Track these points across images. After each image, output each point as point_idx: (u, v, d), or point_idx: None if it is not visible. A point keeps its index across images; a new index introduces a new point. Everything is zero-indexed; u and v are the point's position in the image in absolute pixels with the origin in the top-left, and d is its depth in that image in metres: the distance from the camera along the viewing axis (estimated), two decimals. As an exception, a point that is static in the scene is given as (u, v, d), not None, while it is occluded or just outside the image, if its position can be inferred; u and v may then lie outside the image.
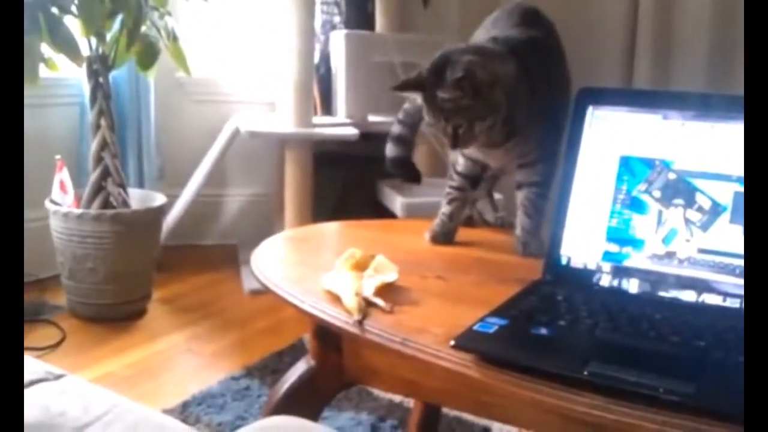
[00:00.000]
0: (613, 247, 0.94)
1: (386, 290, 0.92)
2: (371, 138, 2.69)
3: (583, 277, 0.95)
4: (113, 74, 2.34)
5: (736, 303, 0.86)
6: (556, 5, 2.81)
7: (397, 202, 2.50)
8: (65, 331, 2.12)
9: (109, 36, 2.22)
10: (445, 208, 1.21)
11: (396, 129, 1.31)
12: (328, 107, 2.81)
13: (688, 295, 0.88)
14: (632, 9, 2.74)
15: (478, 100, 1.06)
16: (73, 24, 2.10)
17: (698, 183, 0.90)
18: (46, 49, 2.07)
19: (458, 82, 1.04)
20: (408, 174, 1.31)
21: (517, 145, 1.14)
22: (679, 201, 0.91)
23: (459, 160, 1.22)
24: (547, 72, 1.16)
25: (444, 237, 1.20)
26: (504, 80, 1.08)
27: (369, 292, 0.90)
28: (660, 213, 0.92)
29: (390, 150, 1.31)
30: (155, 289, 2.39)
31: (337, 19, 2.88)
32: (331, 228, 1.36)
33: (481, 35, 1.22)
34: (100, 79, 2.22)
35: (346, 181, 2.93)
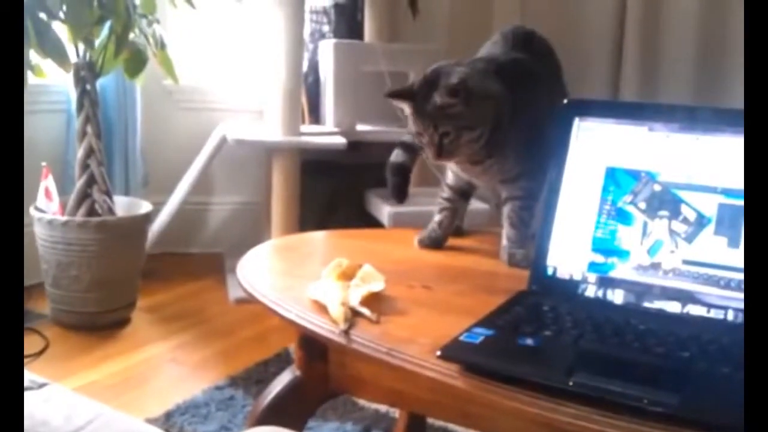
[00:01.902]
0: (599, 258, 0.94)
1: (373, 300, 0.92)
2: (359, 147, 2.69)
3: (569, 288, 0.95)
4: (100, 81, 2.33)
5: (720, 314, 0.86)
6: (543, 18, 2.84)
7: (384, 211, 2.50)
8: (48, 340, 2.10)
9: (97, 43, 2.22)
10: (436, 217, 1.25)
11: (409, 138, 1.32)
12: (316, 116, 2.81)
13: (673, 306, 0.89)
14: (619, 22, 2.76)
15: (469, 109, 1.07)
16: (60, 30, 2.09)
17: (683, 195, 0.91)
18: (33, 55, 2.06)
19: (454, 88, 1.06)
20: (401, 185, 1.29)
21: (496, 163, 1.15)
22: (664, 212, 0.91)
23: (449, 174, 1.25)
24: (534, 93, 1.17)
25: (431, 242, 1.23)
26: (492, 97, 1.10)
27: (355, 302, 0.90)
28: (645, 224, 0.92)
29: (396, 155, 1.30)
30: (140, 298, 2.38)
31: (326, 28, 2.88)
32: (318, 237, 1.36)
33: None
34: (87, 86, 2.21)
35: (334, 190, 2.93)
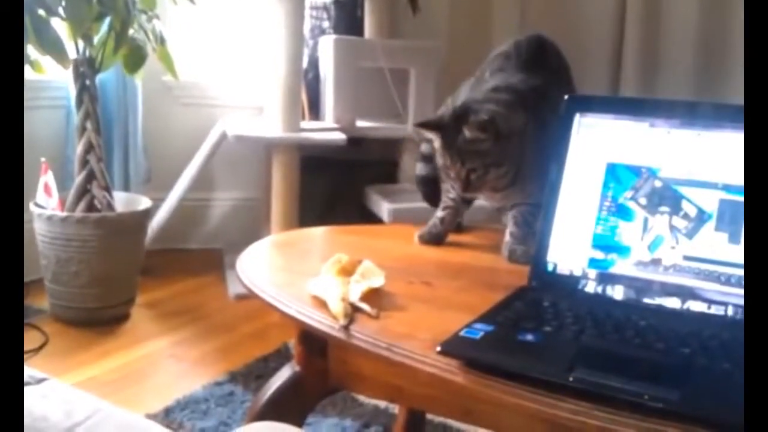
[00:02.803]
0: (599, 254, 0.94)
1: (373, 296, 0.92)
2: (359, 143, 2.69)
3: (569, 284, 0.95)
4: (101, 77, 2.33)
5: (720, 310, 0.86)
6: (542, 18, 2.84)
7: (383, 207, 2.50)
8: (48, 335, 2.10)
9: (96, 39, 2.21)
10: (439, 213, 1.25)
11: (426, 148, 1.33)
12: (316, 112, 2.81)
13: (673, 302, 0.89)
14: (619, 20, 2.76)
15: (497, 146, 1.09)
16: (59, 26, 2.09)
17: (684, 190, 0.91)
18: (32, 51, 2.05)
19: (483, 124, 1.08)
20: (431, 194, 1.33)
21: (520, 190, 1.17)
22: (664, 208, 0.91)
23: None
24: (553, 118, 1.17)
25: (431, 237, 1.24)
26: (518, 133, 1.12)
27: (355, 298, 0.90)
28: (646, 220, 0.92)
29: (420, 168, 1.35)
30: (139, 294, 2.38)
31: (326, 24, 2.88)
32: (318, 233, 1.36)
33: (487, 76, 1.23)
34: (87, 82, 2.21)
35: (333, 186, 2.93)
